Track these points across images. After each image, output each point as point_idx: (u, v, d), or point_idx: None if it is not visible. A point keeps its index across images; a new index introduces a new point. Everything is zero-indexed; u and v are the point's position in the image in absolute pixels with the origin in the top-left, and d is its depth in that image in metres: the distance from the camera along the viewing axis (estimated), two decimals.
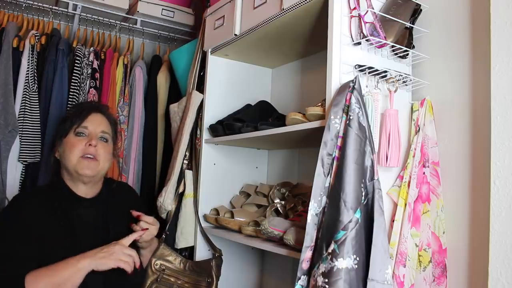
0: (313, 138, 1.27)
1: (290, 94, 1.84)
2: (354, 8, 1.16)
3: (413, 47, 1.25)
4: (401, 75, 1.21)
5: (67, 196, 1.27)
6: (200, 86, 1.84)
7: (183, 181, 1.74)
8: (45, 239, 1.16)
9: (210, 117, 1.75)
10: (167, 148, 2.11)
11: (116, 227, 1.31)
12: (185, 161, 1.76)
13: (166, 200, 1.69)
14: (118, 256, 1.14)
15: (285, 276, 1.75)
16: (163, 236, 1.65)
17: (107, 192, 1.37)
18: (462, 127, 1.18)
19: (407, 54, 1.25)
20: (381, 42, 1.15)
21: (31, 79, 1.82)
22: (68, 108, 1.83)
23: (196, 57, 1.86)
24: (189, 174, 1.75)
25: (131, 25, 2.24)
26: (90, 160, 1.26)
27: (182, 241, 1.68)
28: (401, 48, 1.20)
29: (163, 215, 1.73)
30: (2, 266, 1.09)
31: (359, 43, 1.17)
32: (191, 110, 1.76)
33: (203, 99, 1.78)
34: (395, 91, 1.18)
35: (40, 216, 1.19)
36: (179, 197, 1.74)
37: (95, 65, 1.98)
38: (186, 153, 1.77)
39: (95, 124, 1.31)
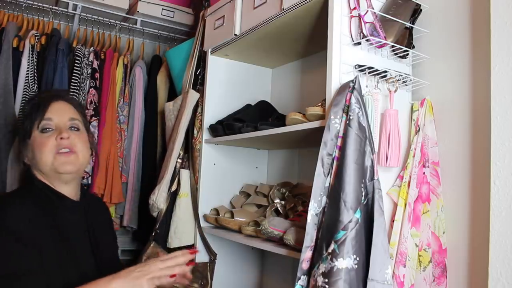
0: (313, 138, 1.27)
1: (290, 94, 1.84)
2: (354, 8, 1.16)
3: (413, 47, 1.25)
4: (401, 75, 1.21)
5: (52, 198, 1.10)
6: (196, 85, 1.84)
7: (176, 180, 1.74)
8: (38, 244, 1.00)
9: (210, 117, 1.75)
10: (166, 148, 2.11)
11: (100, 234, 1.19)
12: (179, 160, 1.77)
13: (159, 199, 1.69)
14: (153, 274, 0.95)
15: (285, 276, 1.75)
16: (153, 234, 1.65)
17: (84, 196, 1.22)
18: (462, 127, 1.18)
19: (407, 54, 1.25)
20: (381, 42, 1.15)
21: (31, 79, 1.82)
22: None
23: (192, 56, 1.86)
24: (185, 173, 1.75)
25: (131, 25, 2.24)
26: (67, 154, 1.08)
27: (175, 240, 1.68)
28: (401, 48, 1.20)
29: (154, 214, 1.73)
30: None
31: (359, 43, 1.17)
32: (187, 109, 1.76)
33: (199, 98, 1.79)
34: (395, 91, 1.18)
35: (28, 220, 1.01)
36: (172, 196, 1.73)
37: (95, 65, 1.98)
38: (181, 152, 1.77)
39: (60, 113, 1.12)
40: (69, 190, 1.14)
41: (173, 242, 1.68)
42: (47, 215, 1.06)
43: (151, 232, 1.68)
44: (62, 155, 1.08)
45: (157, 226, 1.69)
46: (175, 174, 1.75)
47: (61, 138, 1.08)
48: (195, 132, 1.78)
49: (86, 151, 1.14)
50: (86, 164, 1.16)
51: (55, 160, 1.07)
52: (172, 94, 2.13)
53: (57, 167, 1.07)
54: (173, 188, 1.74)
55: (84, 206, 1.19)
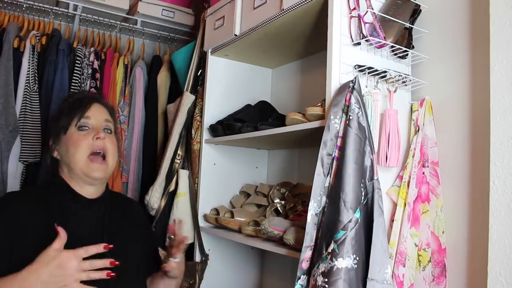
0: (313, 138, 1.27)
1: (290, 94, 1.84)
2: (354, 9, 1.16)
3: (413, 47, 1.25)
4: (401, 75, 1.21)
5: (66, 195, 1.13)
6: (197, 87, 1.85)
7: (174, 180, 1.76)
8: (31, 242, 1.02)
9: (210, 117, 1.75)
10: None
11: (116, 234, 1.15)
12: (177, 160, 1.78)
13: (152, 198, 1.73)
14: (75, 277, 0.95)
15: (285, 276, 1.75)
16: None
17: (109, 195, 1.23)
18: (461, 127, 1.18)
19: (407, 54, 1.26)
20: (380, 42, 1.15)
21: (31, 79, 1.83)
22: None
23: (193, 58, 1.87)
24: (183, 173, 1.76)
25: (131, 25, 2.24)
26: (101, 162, 1.12)
27: None
28: (401, 48, 1.20)
29: (152, 213, 1.76)
30: None
31: (358, 43, 1.17)
32: (181, 111, 1.79)
33: (198, 99, 1.79)
34: (395, 91, 1.18)
35: (27, 217, 1.05)
36: (170, 195, 1.75)
37: (96, 65, 1.98)
38: (180, 152, 1.80)
39: (97, 114, 1.17)
40: (92, 190, 1.16)
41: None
42: (54, 211, 1.08)
43: None
44: (95, 162, 1.12)
45: (153, 225, 1.72)
46: (173, 174, 1.76)
47: (97, 138, 1.12)
48: (193, 132, 1.79)
49: (115, 155, 1.18)
50: (114, 168, 1.19)
51: (87, 164, 1.11)
52: (174, 94, 2.13)
53: (88, 171, 1.11)
54: (172, 188, 1.76)
55: (104, 204, 1.18)
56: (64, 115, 1.16)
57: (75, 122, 1.14)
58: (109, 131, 1.18)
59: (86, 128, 1.14)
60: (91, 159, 1.12)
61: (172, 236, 1.18)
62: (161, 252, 1.59)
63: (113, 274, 0.97)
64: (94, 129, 1.15)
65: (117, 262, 0.98)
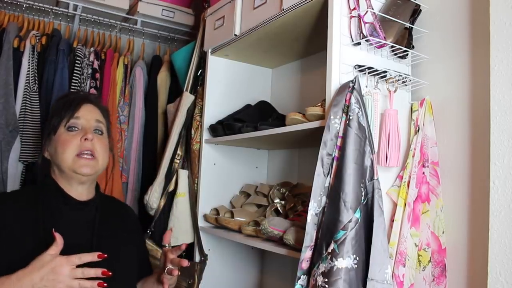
0: (313, 138, 1.27)
1: (290, 94, 1.85)
2: (354, 9, 1.16)
3: (413, 47, 1.25)
4: (401, 75, 1.21)
5: (56, 197, 1.12)
6: (197, 87, 1.85)
7: (174, 179, 1.77)
8: (18, 242, 1.01)
9: (210, 117, 1.75)
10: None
11: (108, 237, 1.14)
12: (176, 160, 1.79)
13: (151, 198, 1.74)
14: (67, 283, 0.93)
15: (285, 276, 1.75)
16: (149, 232, 1.69)
17: (102, 198, 1.22)
18: (461, 127, 1.18)
19: (407, 54, 1.26)
20: (380, 42, 1.15)
21: (31, 79, 1.83)
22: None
23: (193, 58, 1.87)
24: (183, 173, 1.77)
25: (131, 25, 2.24)
26: (88, 159, 1.11)
27: (172, 239, 1.69)
28: (401, 48, 1.20)
29: (151, 212, 1.76)
30: None
31: (358, 43, 1.17)
32: (180, 111, 1.79)
33: (198, 99, 1.79)
34: (395, 91, 1.19)
35: (14, 218, 1.04)
36: (169, 195, 1.76)
37: (96, 65, 1.98)
38: (179, 152, 1.80)
39: (88, 115, 1.16)
40: (82, 191, 1.15)
41: (170, 240, 1.71)
42: (44, 213, 1.07)
43: (146, 230, 1.70)
44: (83, 158, 1.10)
45: (152, 225, 1.73)
46: (173, 174, 1.77)
47: (85, 139, 1.11)
48: (192, 132, 1.79)
49: (106, 156, 1.16)
50: (104, 168, 1.18)
51: (74, 161, 1.10)
52: (174, 94, 2.13)
53: (76, 168, 1.10)
54: (171, 188, 1.76)
55: (95, 206, 1.17)
56: (55, 115, 1.15)
57: (65, 122, 1.13)
58: (99, 132, 1.17)
59: (76, 128, 1.13)
60: (79, 157, 1.11)
61: (167, 245, 1.20)
62: (159, 252, 1.60)
63: (106, 284, 0.96)
64: (84, 129, 1.13)
65: (110, 273, 0.96)
